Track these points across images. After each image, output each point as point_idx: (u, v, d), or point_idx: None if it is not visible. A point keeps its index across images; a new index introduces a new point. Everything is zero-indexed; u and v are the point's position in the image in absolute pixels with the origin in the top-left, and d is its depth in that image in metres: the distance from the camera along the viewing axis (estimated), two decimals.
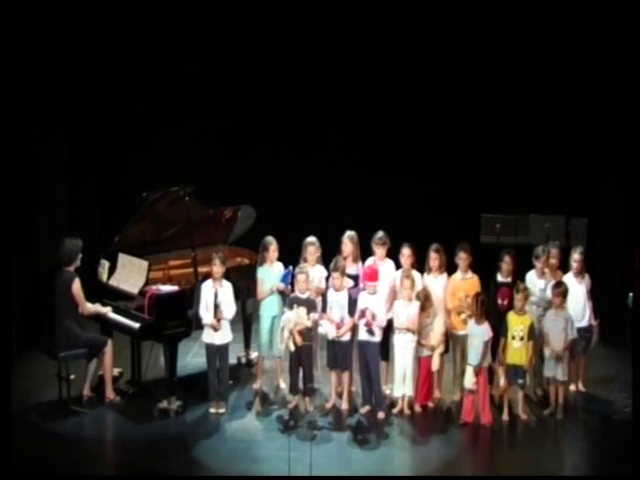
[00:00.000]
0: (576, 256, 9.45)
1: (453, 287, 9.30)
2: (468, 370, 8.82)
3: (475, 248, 9.50)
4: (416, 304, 9.01)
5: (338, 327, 9.05)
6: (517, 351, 8.85)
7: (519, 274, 9.38)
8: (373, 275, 9.03)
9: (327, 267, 9.35)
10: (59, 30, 10.62)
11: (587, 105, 11.89)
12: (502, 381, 8.92)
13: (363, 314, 8.88)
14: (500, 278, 9.36)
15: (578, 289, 9.38)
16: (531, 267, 9.48)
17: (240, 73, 12.58)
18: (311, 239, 9.44)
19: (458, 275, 9.34)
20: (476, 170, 12.55)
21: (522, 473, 8.15)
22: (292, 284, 9.24)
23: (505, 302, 9.22)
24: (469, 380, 8.80)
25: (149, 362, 9.55)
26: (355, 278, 9.31)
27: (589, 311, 9.41)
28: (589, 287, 9.47)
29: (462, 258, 9.30)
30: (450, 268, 9.40)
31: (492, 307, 9.12)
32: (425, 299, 9.03)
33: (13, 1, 9.22)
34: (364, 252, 9.47)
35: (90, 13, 11.29)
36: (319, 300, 9.29)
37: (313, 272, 9.29)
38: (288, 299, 9.13)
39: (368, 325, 8.89)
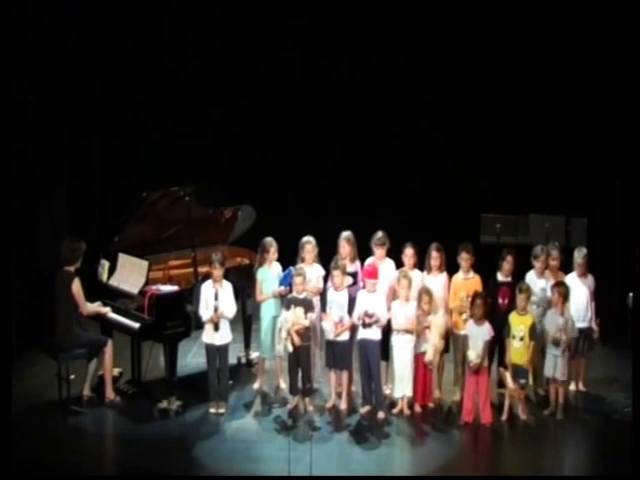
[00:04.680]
0: (579, 260, 9.43)
1: (455, 287, 9.30)
2: (471, 352, 8.77)
3: (475, 248, 9.49)
4: (413, 304, 9.01)
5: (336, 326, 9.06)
6: (517, 351, 8.86)
7: (519, 274, 9.38)
8: (374, 273, 9.05)
9: (325, 266, 9.35)
10: (60, 30, 10.61)
11: (587, 105, 11.89)
12: (509, 382, 8.86)
13: (369, 320, 8.87)
14: (500, 277, 9.35)
15: (581, 289, 9.38)
16: (531, 267, 9.47)
17: (240, 73, 12.59)
18: (308, 238, 9.44)
19: (460, 275, 9.34)
20: (476, 170, 12.55)
21: (522, 473, 8.15)
22: (291, 285, 9.24)
23: (506, 302, 9.21)
24: (473, 353, 8.74)
25: (149, 362, 9.55)
26: (354, 275, 9.31)
27: (591, 312, 9.39)
28: (593, 288, 9.45)
29: (464, 258, 9.29)
30: (450, 268, 9.40)
31: (493, 307, 9.13)
32: (427, 297, 9.01)
33: (15, 2, 9.23)
34: (364, 252, 9.47)
35: (91, 13, 11.30)
36: (317, 300, 9.30)
37: (310, 271, 9.28)
38: (285, 300, 9.14)
39: (377, 321, 8.89)
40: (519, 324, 8.88)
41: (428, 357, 9.01)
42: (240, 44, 12.52)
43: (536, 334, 8.96)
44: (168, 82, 12.39)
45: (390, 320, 9.02)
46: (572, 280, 9.39)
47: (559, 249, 9.62)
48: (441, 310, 9.14)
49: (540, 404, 9.27)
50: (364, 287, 9.14)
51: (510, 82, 12.27)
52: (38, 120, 10.37)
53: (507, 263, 9.34)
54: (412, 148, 12.63)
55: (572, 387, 9.52)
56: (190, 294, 9.14)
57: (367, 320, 8.87)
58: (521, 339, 8.84)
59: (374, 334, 8.98)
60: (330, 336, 9.06)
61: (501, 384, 9.20)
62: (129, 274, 9.26)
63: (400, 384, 9.05)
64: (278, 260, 9.51)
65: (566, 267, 9.56)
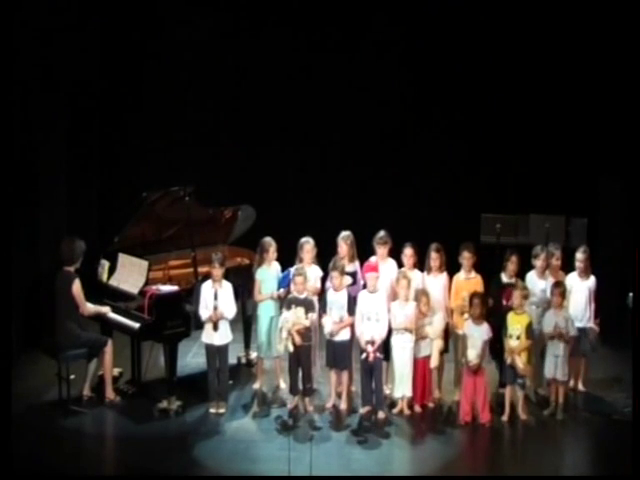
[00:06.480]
0: (579, 255, 9.41)
1: (456, 287, 9.29)
2: (470, 352, 8.78)
3: (475, 248, 9.49)
4: (413, 304, 9.00)
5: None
6: (514, 350, 8.85)
7: (520, 274, 9.37)
8: (374, 267, 9.10)
9: (323, 267, 9.35)
10: (59, 32, 10.62)
11: (587, 105, 11.91)
12: (520, 363, 8.79)
13: (373, 347, 8.86)
14: (505, 279, 9.30)
15: (581, 289, 9.36)
16: (531, 267, 9.46)
17: (239, 73, 12.60)
18: (306, 238, 9.44)
19: (462, 275, 9.33)
20: (476, 170, 12.56)
21: (522, 473, 8.14)
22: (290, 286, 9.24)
23: (510, 303, 9.18)
24: (473, 353, 8.74)
25: (149, 362, 9.55)
26: (353, 275, 9.31)
27: (589, 313, 9.37)
28: (594, 289, 9.41)
29: (466, 257, 9.28)
30: (450, 268, 9.40)
31: (494, 307, 9.12)
32: (424, 299, 9.01)
33: (14, 4, 9.23)
34: (365, 252, 9.47)
35: (91, 15, 11.32)
36: (316, 300, 9.30)
37: (309, 272, 9.27)
38: (286, 299, 9.14)
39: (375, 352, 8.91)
40: (516, 323, 8.87)
41: (434, 364, 9.03)
42: (238, 42, 12.51)
43: (534, 334, 8.95)
44: (167, 82, 12.40)
45: (390, 320, 9.02)
46: (572, 280, 9.37)
47: (561, 249, 9.61)
48: (439, 312, 9.14)
49: (540, 404, 9.27)
50: (364, 286, 9.15)
51: (510, 82, 12.29)
52: (38, 120, 10.37)
53: (512, 264, 9.28)
54: (412, 148, 12.64)
55: (571, 387, 9.50)
56: (190, 294, 9.15)
57: (371, 349, 8.85)
58: (517, 338, 8.84)
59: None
60: (327, 330, 9.04)
61: (502, 384, 9.19)
62: (129, 274, 9.27)
63: (400, 384, 9.05)
64: (277, 260, 9.51)
65: (567, 267, 9.55)
